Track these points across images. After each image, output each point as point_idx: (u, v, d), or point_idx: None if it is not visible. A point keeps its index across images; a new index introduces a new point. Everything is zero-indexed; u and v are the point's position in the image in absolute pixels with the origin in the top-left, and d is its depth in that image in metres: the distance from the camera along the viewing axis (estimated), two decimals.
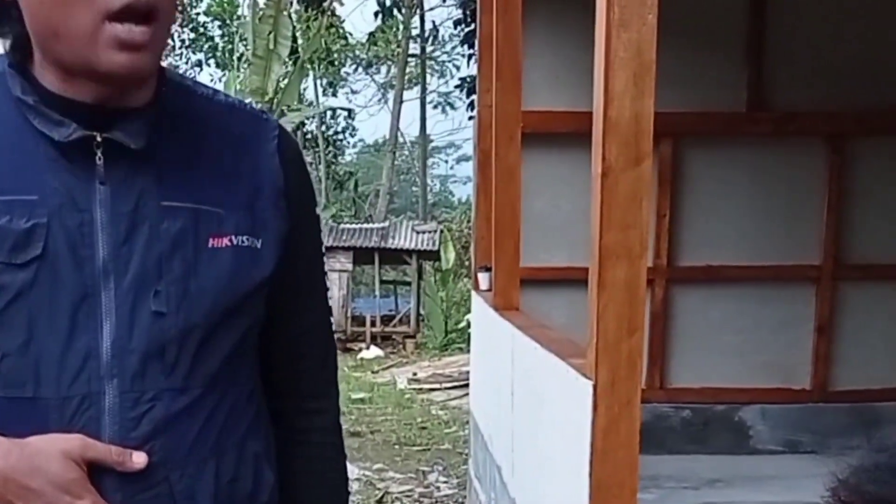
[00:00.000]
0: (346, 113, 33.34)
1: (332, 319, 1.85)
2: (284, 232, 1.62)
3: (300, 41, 21.11)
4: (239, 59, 19.78)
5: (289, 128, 1.97)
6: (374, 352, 18.44)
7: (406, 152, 37.57)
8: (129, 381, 1.48)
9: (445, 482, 8.87)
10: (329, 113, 32.11)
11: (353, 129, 34.34)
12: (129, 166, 1.50)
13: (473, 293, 6.79)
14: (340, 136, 33.48)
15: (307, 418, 1.79)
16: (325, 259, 1.84)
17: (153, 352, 1.49)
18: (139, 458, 1.48)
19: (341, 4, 26.32)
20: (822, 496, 1.06)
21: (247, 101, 1.77)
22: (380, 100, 35.36)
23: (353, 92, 34.75)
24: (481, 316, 6.22)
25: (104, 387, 1.47)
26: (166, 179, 1.53)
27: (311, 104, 27.92)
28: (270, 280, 1.62)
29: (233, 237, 1.56)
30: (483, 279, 6.13)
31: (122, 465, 1.47)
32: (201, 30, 28.93)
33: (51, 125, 1.47)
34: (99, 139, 1.48)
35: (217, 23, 28.49)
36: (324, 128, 31.40)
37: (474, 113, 7.40)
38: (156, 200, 1.51)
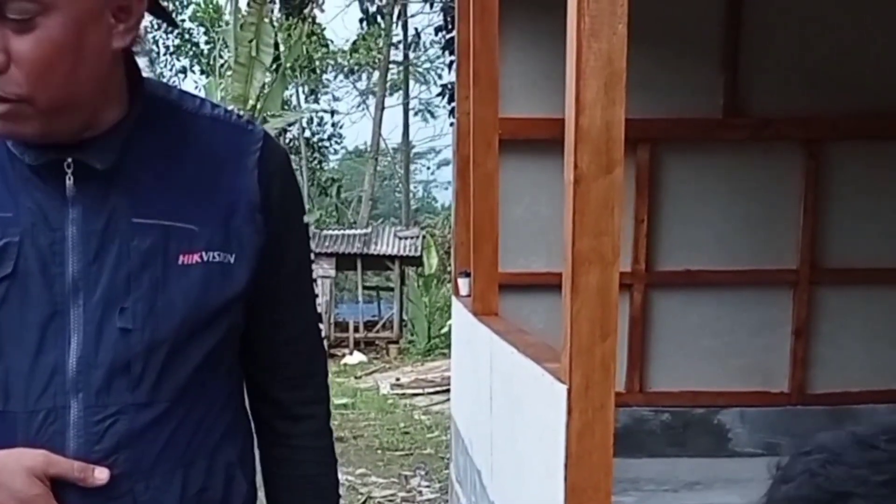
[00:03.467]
0: (331, 118, 33.34)
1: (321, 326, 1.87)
2: (260, 246, 1.64)
3: (281, 48, 21.08)
4: (221, 66, 19.77)
5: (271, 134, 1.96)
6: (357, 357, 18.43)
7: (388, 158, 37.56)
8: (93, 395, 1.52)
9: (428, 486, 8.89)
10: (316, 120, 32.09)
11: (340, 136, 34.33)
12: (101, 185, 1.53)
13: (454, 299, 6.81)
14: (327, 143, 33.43)
15: (294, 424, 1.81)
16: (311, 268, 1.85)
17: (118, 367, 1.52)
18: (101, 475, 1.51)
19: (322, 11, 26.34)
20: None
21: (231, 109, 1.77)
22: (359, 105, 35.38)
23: (336, 99, 34.75)
24: (461, 321, 6.25)
25: (69, 401, 1.51)
26: (139, 197, 1.55)
27: (294, 111, 27.88)
28: (245, 294, 1.64)
29: (203, 253, 1.58)
30: (463, 285, 6.16)
31: (84, 481, 1.50)
32: (186, 36, 28.80)
33: (21, 148, 1.50)
34: (69, 161, 1.51)
35: (202, 29, 28.38)
36: (308, 134, 31.36)
37: (455, 119, 7.43)
38: (127, 218, 1.53)
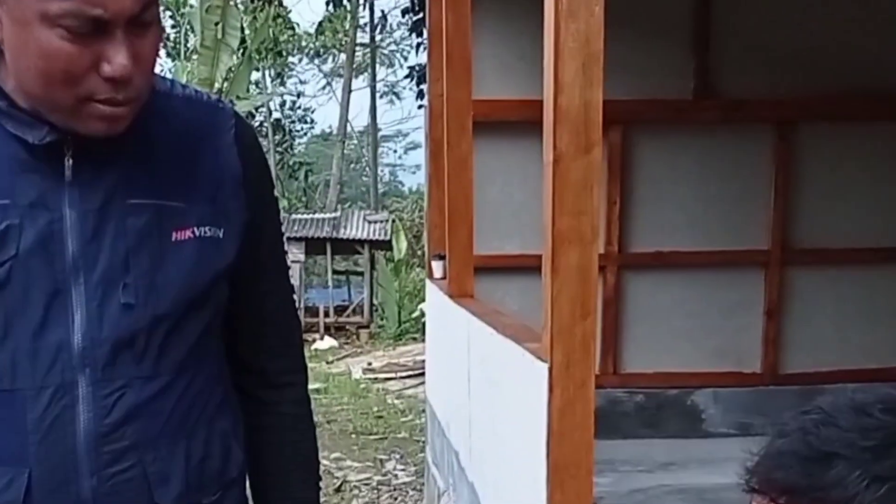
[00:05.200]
0: (299, 101, 33.29)
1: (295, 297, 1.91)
2: (245, 220, 1.67)
3: (247, 31, 20.99)
4: (186, 49, 19.66)
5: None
6: (328, 342, 18.42)
7: (355, 142, 37.52)
8: (100, 370, 1.54)
9: (403, 470, 8.91)
10: (288, 103, 32.04)
11: (312, 120, 34.28)
12: (97, 166, 1.54)
13: (428, 282, 6.82)
14: (297, 127, 33.35)
15: (277, 392, 1.85)
16: (284, 240, 1.90)
17: (123, 342, 1.55)
18: None
19: None
20: (741, 477, 1.11)
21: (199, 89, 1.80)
22: (324, 88, 35.32)
23: (302, 82, 34.69)
24: (436, 304, 6.25)
25: (77, 376, 1.53)
26: (132, 178, 1.57)
27: (261, 94, 27.78)
28: (234, 266, 1.67)
29: (195, 229, 1.60)
30: (437, 267, 6.16)
31: None
32: None
33: (24, 128, 1.50)
34: (70, 141, 1.52)
35: (168, 13, 28.23)
36: (278, 116, 31.31)
37: (424, 102, 7.41)
38: (122, 198, 1.55)
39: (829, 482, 1.02)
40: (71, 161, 1.53)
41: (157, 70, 1.58)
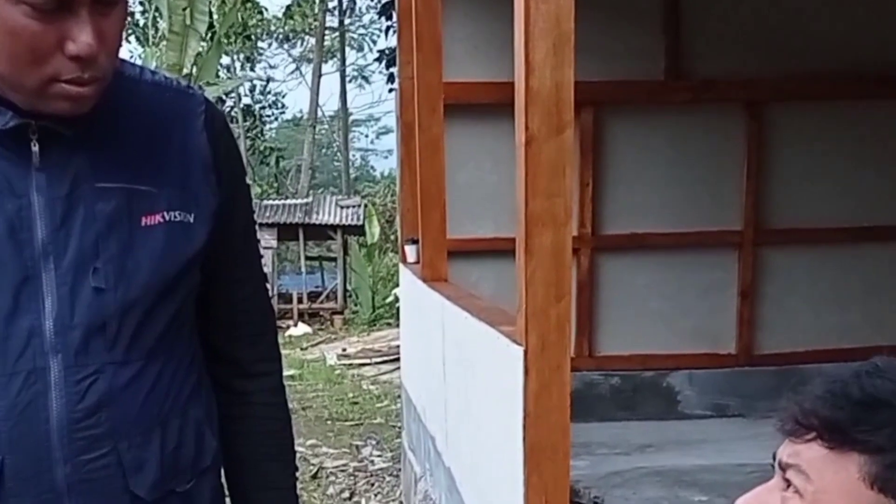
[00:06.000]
0: (270, 86, 33.16)
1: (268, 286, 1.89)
2: (216, 205, 1.67)
3: (216, 16, 20.88)
4: (155, 34, 19.56)
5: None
6: (302, 329, 18.38)
7: (326, 126, 37.42)
8: (72, 355, 1.53)
9: (379, 456, 8.89)
10: (259, 88, 31.92)
11: (283, 105, 34.15)
12: (64, 151, 1.53)
13: (401, 266, 6.80)
14: (268, 112, 33.25)
15: (251, 382, 1.84)
16: (256, 227, 1.89)
17: (94, 327, 1.54)
18: None
19: None
20: (781, 418, 1.15)
21: (169, 75, 1.79)
22: (293, 72, 35.20)
23: (271, 66, 34.57)
24: (410, 288, 6.23)
25: (49, 362, 1.52)
26: (100, 162, 1.56)
27: (230, 79, 27.66)
28: (204, 252, 1.66)
29: (165, 213, 1.60)
30: (410, 252, 6.14)
31: None
32: None
33: None
34: (34, 126, 1.51)
35: None
36: (249, 102, 31.19)
37: (394, 85, 7.37)
38: (90, 183, 1.54)
39: (873, 425, 1.06)
40: (37, 146, 1.52)
41: (125, 56, 1.57)
